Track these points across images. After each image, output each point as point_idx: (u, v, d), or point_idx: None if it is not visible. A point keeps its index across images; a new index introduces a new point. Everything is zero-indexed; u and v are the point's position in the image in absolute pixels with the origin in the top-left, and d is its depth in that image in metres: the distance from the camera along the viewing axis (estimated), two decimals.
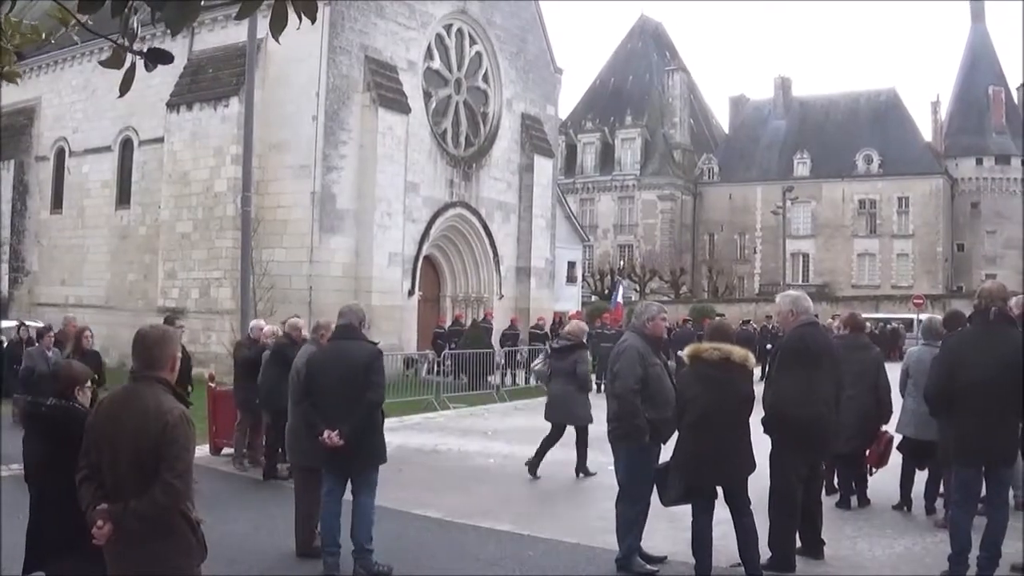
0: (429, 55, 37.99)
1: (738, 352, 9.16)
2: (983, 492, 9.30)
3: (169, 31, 4.03)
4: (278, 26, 4.31)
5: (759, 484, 9.40)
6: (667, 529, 10.72)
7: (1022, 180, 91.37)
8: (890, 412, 12.79)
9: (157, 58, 4.37)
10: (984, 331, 9.28)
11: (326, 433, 9.21)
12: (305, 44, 30.15)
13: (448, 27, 39.13)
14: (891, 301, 69.21)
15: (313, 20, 4.26)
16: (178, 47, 32.28)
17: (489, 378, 28.90)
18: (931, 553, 10.51)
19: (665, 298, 66.57)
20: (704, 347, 9.23)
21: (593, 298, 69.90)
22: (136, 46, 4.31)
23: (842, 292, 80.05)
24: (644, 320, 9.92)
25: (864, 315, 19.49)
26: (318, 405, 9.55)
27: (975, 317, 9.55)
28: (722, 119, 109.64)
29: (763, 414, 9.72)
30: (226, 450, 16.47)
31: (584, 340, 15.05)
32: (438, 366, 28.46)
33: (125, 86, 4.50)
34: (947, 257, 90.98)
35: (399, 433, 18.81)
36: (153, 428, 5.32)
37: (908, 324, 54.39)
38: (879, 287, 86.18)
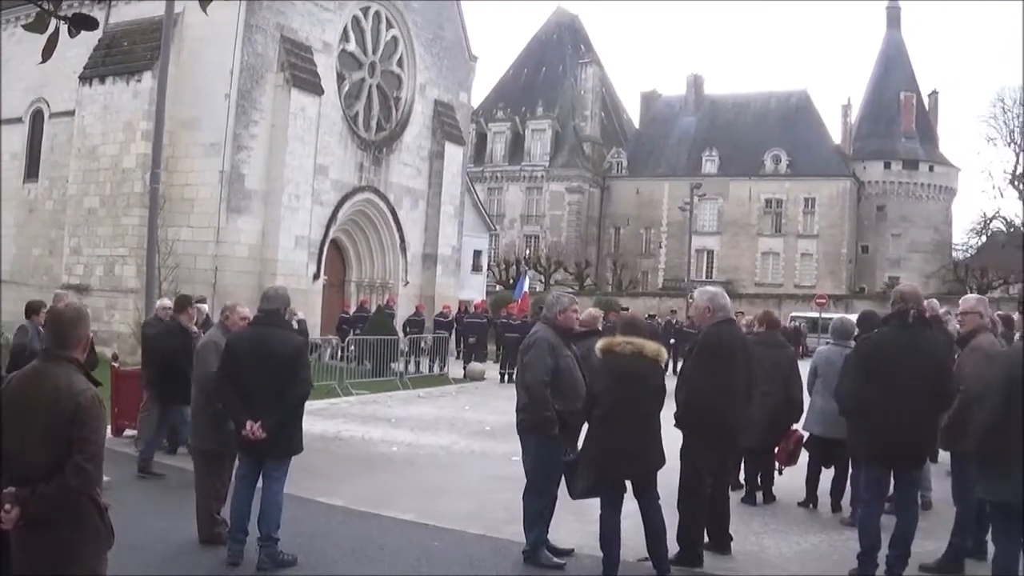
0: (345, 37, 37.86)
1: (651, 346, 9.11)
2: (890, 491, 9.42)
3: None
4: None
5: (668, 478, 9.37)
6: (573, 522, 10.66)
7: (928, 185, 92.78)
8: (802, 410, 12.91)
9: (82, 23, 4.27)
10: (902, 332, 9.33)
11: (248, 425, 9.01)
12: (221, 21, 29.85)
13: (365, 10, 38.99)
14: (794, 300, 69.94)
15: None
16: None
17: (392, 365, 28.80)
18: (838, 551, 10.56)
19: (569, 290, 66.59)
20: (617, 340, 9.12)
21: (498, 287, 69.85)
22: (60, 12, 4.20)
23: (745, 290, 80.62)
24: (555, 311, 9.85)
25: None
26: (239, 393, 9.30)
27: (892, 318, 9.58)
28: (633, 114, 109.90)
29: (675, 408, 9.69)
30: (128, 432, 16.14)
31: (599, 328, 15.10)
32: (342, 352, 28.29)
33: (48, 51, 4.39)
34: (851, 258, 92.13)
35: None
36: (65, 409, 5.15)
37: (812, 323, 54.78)
38: (782, 286, 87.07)
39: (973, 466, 8.28)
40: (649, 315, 43.07)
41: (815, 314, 57.92)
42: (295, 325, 14.87)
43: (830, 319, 20.12)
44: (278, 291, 10.17)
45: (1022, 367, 7.54)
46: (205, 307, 16.44)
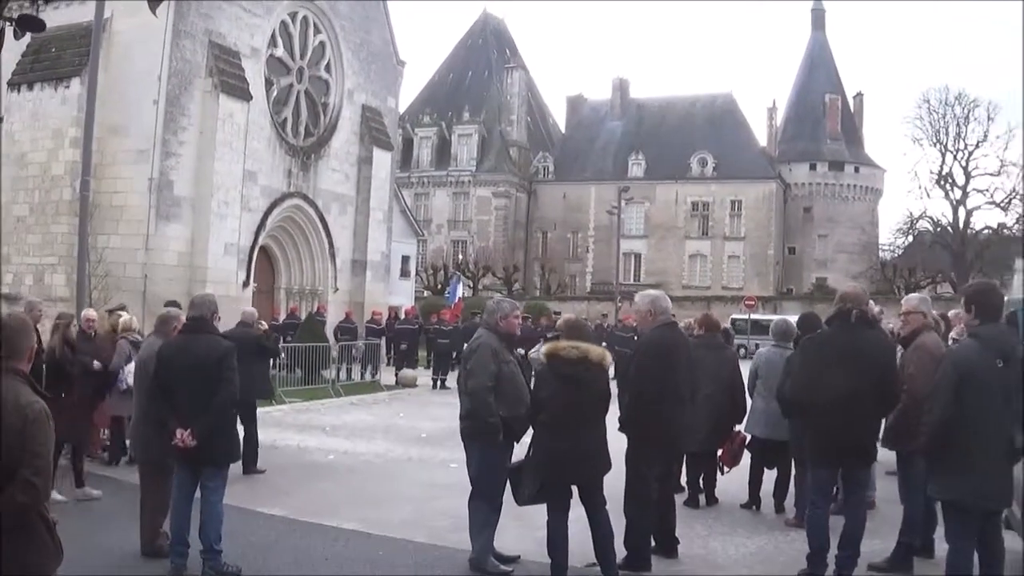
0: (273, 42, 37.59)
1: (596, 351, 9.11)
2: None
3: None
4: (156, 1, 4.11)
5: (614, 483, 9.35)
6: (518, 528, 10.63)
7: (854, 186, 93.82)
8: (744, 412, 12.95)
9: (28, 25, 4.16)
10: (844, 333, 9.36)
11: (179, 432, 8.93)
12: (150, 26, 29.42)
13: (293, 14, 38.75)
14: (722, 302, 70.59)
15: None
16: None
17: (324, 372, 28.63)
18: (784, 552, 10.63)
19: (497, 294, 66.73)
20: (562, 345, 9.10)
21: (426, 293, 69.90)
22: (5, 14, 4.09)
23: (673, 292, 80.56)
24: (497, 317, 9.80)
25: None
26: (169, 401, 9.24)
27: (836, 319, 9.60)
28: (559, 118, 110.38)
29: (619, 413, 9.67)
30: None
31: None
32: (273, 359, 28.08)
33: None
34: (778, 260, 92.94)
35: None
36: (13, 423, 5.01)
37: (754, 325, 55.11)
38: (710, 288, 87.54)
39: (923, 465, 8.33)
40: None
41: (758, 316, 58.37)
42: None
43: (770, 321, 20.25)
44: (205, 298, 10.14)
45: (972, 365, 7.60)
46: (126, 316, 16.09)
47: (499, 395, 9.32)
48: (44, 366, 11.51)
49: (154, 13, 4.46)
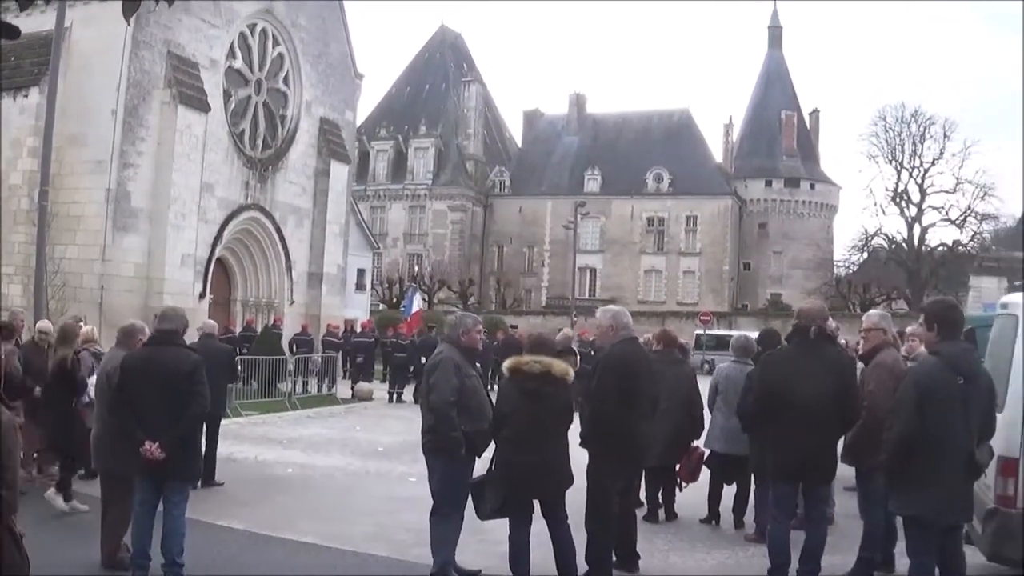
0: (232, 54, 37.62)
1: (558, 366, 9.14)
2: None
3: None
4: (130, 9, 4.13)
5: (575, 498, 9.36)
6: (477, 543, 10.64)
7: (810, 203, 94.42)
8: (702, 427, 12.99)
9: (3, 31, 4.17)
10: (805, 349, 9.45)
11: (147, 444, 8.88)
12: (109, 36, 29.55)
13: (252, 26, 38.77)
14: (677, 317, 70.55)
15: (170, 4, 4.12)
16: None
17: (280, 385, 28.52)
18: (744, 566, 10.71)
19: (453, 308, 66.68)
20: (525, 360, 9.15)
21: (381, 306, 69.69)
22: None
23: (628, 307, 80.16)
24: (459, 332, 9.78)
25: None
26: (137, 413, 9.16)
27: (795, 336, 9.69)
28: (516, 132, 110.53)
29: (581, 427, 9.70)
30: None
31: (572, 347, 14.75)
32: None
33: None
34: (733, 275, 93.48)
35: None
36: None
37: (717, 340, 55.20)
38: (665, 303, 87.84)
39: (884, 481, 8.39)
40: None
41: (721, 332, 58.59)
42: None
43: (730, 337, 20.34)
44: (176, 311, 10.08)
45: (933, 383, 7.70)
46: (87, 327, 15.90)
47: (461, 409, 9.28)
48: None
49: (128, 20, 4.48)
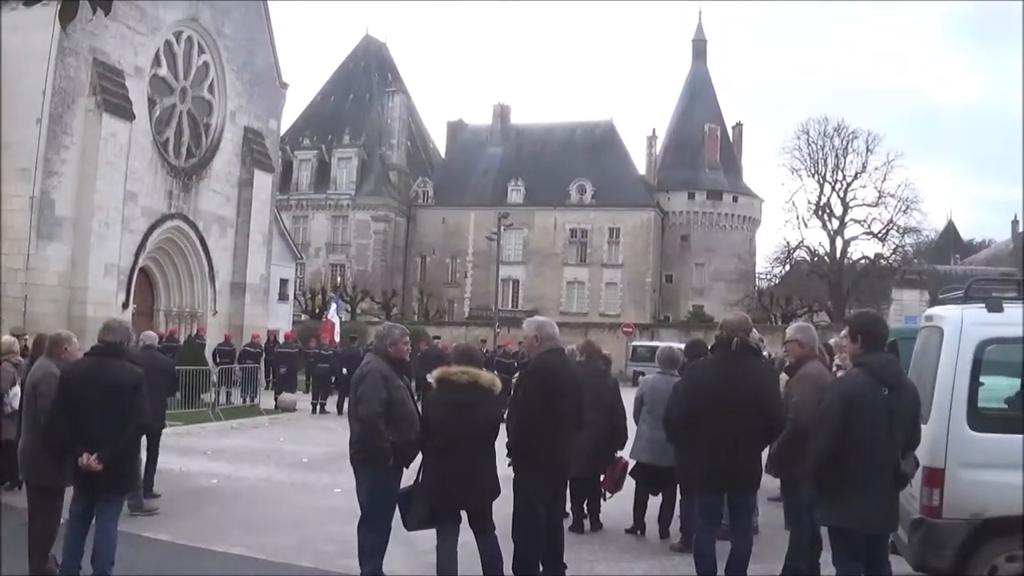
0: (157, 61, 37.47)
1: (485, 376, 9.21)
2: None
3: None
4: (67, 15, 4.21)
5: (503, 508, 9.40)
6: (405, 554, 10.71)
7: (732, 215, 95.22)
8: (625, 438, 13.12)
9: None
10: (728, 361, 9.58)
11: (85, 456, 8.80)
12: (35, 43, 29.36)
13: (178, 34, 38.66)
14: (599, 328, 70.47)
15: (107, 12, 4.19)
16: None
17: (204, 396, 28.36)
18: None
19: (375, 319, 66.57)
20: (452, 371, 9.17)
21: (304, 317, 69.47)
22: None
23: (551, 319, 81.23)
24: (387, 343, 9.79)
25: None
26: (76, 425, 9.07)
27: (718, 347, 9.84)
28: (440, 143, 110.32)
29: (507, 438, 9.68)
30: None
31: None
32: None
33: None
34: (655, 287, 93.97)
35: None
36: None
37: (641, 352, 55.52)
38: (587, 315, 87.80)
39: (810, 492, 8.51)
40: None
41: (657, 343, 58.90)
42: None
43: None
44: (120, 323, 10.06)
45: (858, 394, 7.83)
46: (7, 337, 15.80)
47: (389, 420, 9.31)
48: None
49: (64, 27, 4.57)
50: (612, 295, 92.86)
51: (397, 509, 9.43)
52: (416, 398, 10.43)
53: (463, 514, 9.24)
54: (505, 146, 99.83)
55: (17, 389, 11.99)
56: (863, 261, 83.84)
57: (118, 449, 8.97)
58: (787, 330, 10.85)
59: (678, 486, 12.01)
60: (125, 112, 34.07)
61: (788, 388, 10.13)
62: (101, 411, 8.97)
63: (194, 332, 37.18)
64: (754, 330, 10.70)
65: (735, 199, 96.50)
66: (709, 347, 11.56)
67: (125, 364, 9.40)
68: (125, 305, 35.22)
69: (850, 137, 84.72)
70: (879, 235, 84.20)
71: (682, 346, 14.63)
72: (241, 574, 10.60)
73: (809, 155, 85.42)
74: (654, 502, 12.96)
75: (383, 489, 9.41)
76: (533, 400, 9.59)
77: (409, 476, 9.47)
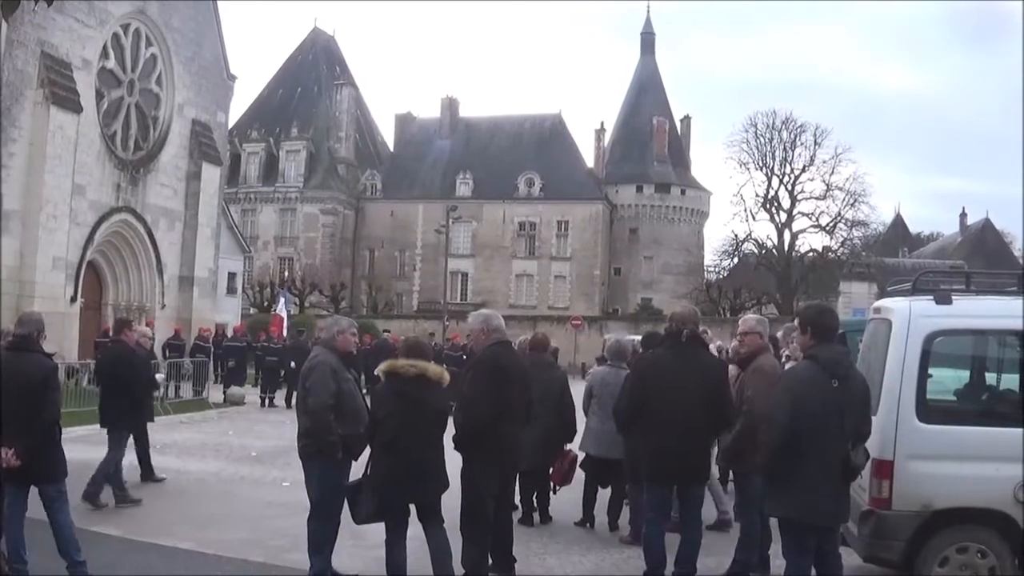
0: (104, 54, 37.32)
1: (433, 369, 9.18)
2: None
3: None
4: (10, 7, 4.26)
5: (451, 502, 9.42)
6: (354, 547, 10.71)
7: (680, 208, 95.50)
8: (574, 431, 13.13)
9: None
10: (676, 352, 9.66)
11: (3, 451, 8.80)
12: None
13: (126, 27, 38.50)
14: (548, 321, 70.65)
15: (49, 3, 4.25)
16: None
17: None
18: (620, 568, 10.82)
19: (324, 312, 66.46)
20: (400, 363, 9.10)
21: (252, 310, 69.22)
22: None
23: (500, 312, 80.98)
24: (334, 334, 9.84)
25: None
26: None
27: (667, 339, 9.92)
28: (388, 136, 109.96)
29: (454, 431, 9.69)
30: None
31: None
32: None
33: None
34: (604, 280, 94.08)
35: (65, 446, 18.17)
36: None
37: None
38: (536, 308, 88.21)
39: (761, 484, 8.57)
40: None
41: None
42: None
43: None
44: (32, 315, 10.08)
45: (808, 386, 7.91)
46: None
47: (338, 413, 9.35)
48: None
49: (6, 20, 4.61)
50: (561, 288, 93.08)
51: (346, 502, 9.41)
52: (365, 391, 10.43)
53: (412, 507, 9.21)
54: (454, 139, 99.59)
55: None
56: (811, 254, 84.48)
57: (33, 442, 8.98)
58: (745, 321, 10.85)
59: (627, 478, 12.06)
60: (73, 105, 33.93)
61: (742, 381, 10.16)
62: (12, 405, 8.95)
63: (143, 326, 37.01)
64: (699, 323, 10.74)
65: (683, 192, 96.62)
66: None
67: (37, 357, 9.41)
68: (73, 299, 35.10)
69: (798, 131, 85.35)
70: (827, 228, 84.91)
71: (632, 338, 14.71)
72: (188, 569, 10.55)
73: (757, 148, 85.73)
74: (603, 495, 13.03)
75: (332, 482, 9.42)
76: (480, 392, 9.60)
77: (359, 469, 9.44)
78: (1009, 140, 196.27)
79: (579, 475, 13.10)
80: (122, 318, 16.79)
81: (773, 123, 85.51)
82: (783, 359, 11.37)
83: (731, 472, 10.94)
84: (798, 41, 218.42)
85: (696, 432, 9.34)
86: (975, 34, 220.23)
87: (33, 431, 8.97)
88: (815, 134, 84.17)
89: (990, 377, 10.07)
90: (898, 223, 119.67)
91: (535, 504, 13.21)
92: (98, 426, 20.25)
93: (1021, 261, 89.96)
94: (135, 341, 15.33)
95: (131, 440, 15.14)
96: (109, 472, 14.01)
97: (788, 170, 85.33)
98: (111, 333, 34.56)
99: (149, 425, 15.94)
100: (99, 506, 13.47)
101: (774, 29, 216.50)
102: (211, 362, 34.43)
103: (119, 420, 14.55)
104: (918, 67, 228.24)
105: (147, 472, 15.79)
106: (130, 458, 15.65)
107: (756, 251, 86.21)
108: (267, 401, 31.16)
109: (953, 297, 9.11)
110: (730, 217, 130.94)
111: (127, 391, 14.63)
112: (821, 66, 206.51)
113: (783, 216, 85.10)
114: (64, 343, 32.55)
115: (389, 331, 43.86)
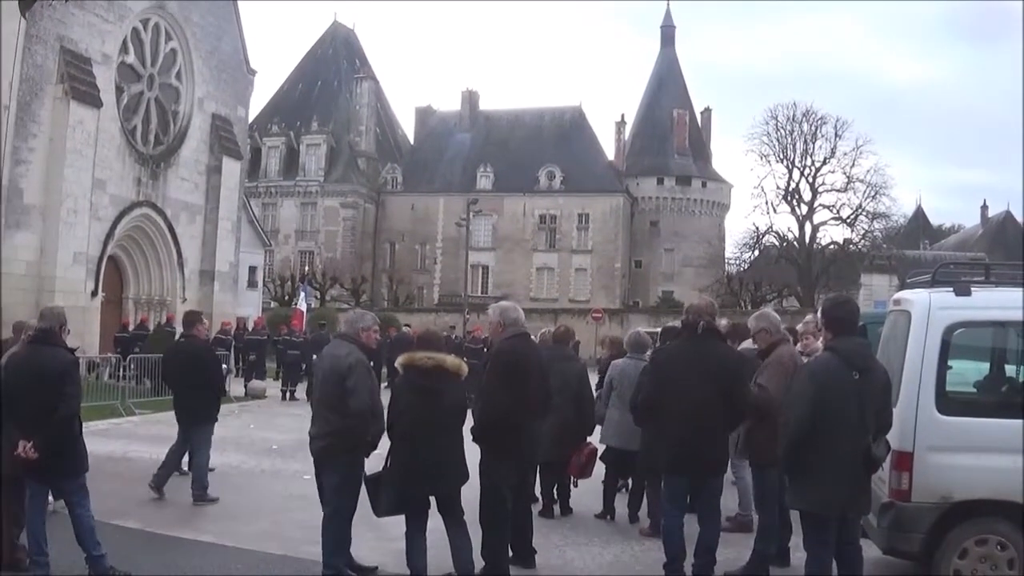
0: (124, 49, 37.35)
1: (451, 361, 9.18)
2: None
3: None
4: (26, 3, 4.27)
5: (471, 494, 9.41)
6: (374, 539, 10.73)
7: (701, 201, 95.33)
8: (592, 423, 13.07)
9: None
10: (692, 345, 9.60)
11: (21, 444, 8.84)
12: (3, 32, 29.09)
13: (145, 21, 38.54)
14: (569, 314, 70.32)
15: None
16: None
17: None
18: (640, 561, 10.80)
19: (345, 306, 66.44)
20: (418, 356, 9.11)
21: (273, 304, 69.23)
22: None
23: (520, 304, 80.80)
24: (358, 330, 9.76)
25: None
26: (12, 413, 9.10)
27: (684, 331, 9.88)
28: (408, 129, 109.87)
29: (473, 423, 9.69)
30: None
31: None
32: (122, 370, 27.62)
33: None
34: (625, 273, 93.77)
35: (87, 440, 18.20)
36: None
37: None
38: (557, 300, 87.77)
39: (781, 476, 8.62)
40: None
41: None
42: None
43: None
44: (53, 310, 10.07)
45: (829, 378, 7.90)
46: None
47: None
48: None
49: (23, 14, 4.61)
50: (581, 281, 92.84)
51: (366, 495, 9.37)
52: (385, 384, 10.40)
53: (432, 500, 9.20)
54: (474, 132, 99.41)
55: None
56: (832, 246, 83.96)
57: (51, 436, 9.01)
58: (748, 323, 10.95)
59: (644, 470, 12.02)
60: (93, 100, 33.99)
61: (758, 372, 10.20)
62: (32, 398, 9.03)
63: (163, 320, 37.09)
64: (716, 314, 10.70)
65: (704, 184, 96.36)
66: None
67: (57, 351, 9.43)
68: (94, 293, 35.18)
69: (819, 123, 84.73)
70: (848, 220, 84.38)
71: (653, 331, 14.68)
72: (208, 561, 10.57)
73: (778, 140, 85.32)
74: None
75: (353, 476, 9.40)
76: (497, 385, 9.62)
77: (378, 461, 9.41)
78: None
79: (600, 467, 13.02)
80: (192, 311, 16.65)
81: (794, 115, 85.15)
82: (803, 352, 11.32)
83: (750, 466, 10.86)
84: (819, 32, 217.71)
85: (710, 423, 9.26)
86: (992, 28, 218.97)
87: (51, 424, 8.99)
88: (836, 126, 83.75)
89: (1010, 369, 10.00)
90: (919, 215, 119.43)
91: (555, 496, 13.19)
92: (115, 420, 20.35)
93: None
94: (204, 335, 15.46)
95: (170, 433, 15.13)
96: (203, 466, 14.19)
97: (809, 162, 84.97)
98: (174, 325, 34.89)
99: (171, 416, 15.94)
100: (212, 500, 13.71)
101: (796, 19, 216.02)
102: (232, 356, 34.42)
103: (209, 415, 14.68)
104: (931, 57, 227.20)
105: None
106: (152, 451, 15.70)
107: (777, 243, 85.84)
108: (288, 394, 31.22)
109: (973, 289, 9.08)
110: (751, 209, 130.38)
111: (210, 386, 14.64)
112: (841, 57, 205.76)
113: (804, 208, 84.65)
114: (85, 337, 32.51)
115: (409, 325, 43.83)
